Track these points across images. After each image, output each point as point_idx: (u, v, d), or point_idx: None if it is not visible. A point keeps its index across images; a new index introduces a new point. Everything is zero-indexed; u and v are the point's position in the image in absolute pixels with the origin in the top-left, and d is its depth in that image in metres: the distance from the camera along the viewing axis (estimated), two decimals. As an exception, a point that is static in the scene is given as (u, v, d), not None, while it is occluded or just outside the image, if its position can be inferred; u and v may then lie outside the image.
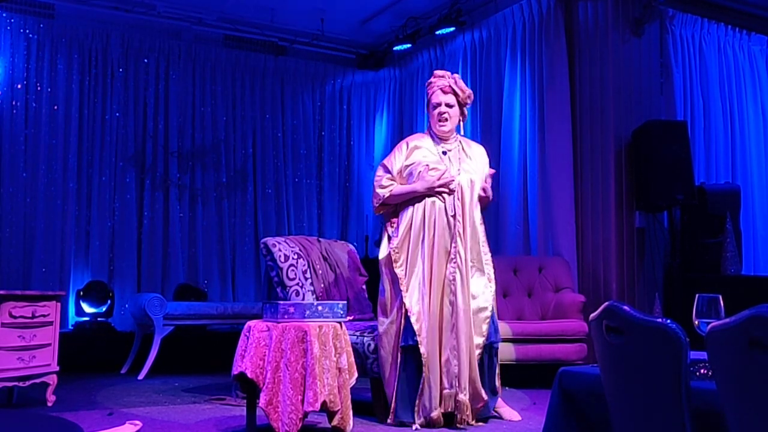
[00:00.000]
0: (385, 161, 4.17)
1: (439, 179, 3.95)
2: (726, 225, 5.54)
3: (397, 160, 4.11)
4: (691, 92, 6.46)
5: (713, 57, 6.64)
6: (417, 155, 4.07)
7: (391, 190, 4.05)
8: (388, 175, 4.09)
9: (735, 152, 6.68)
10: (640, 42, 5.97)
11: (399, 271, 3.93)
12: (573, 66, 6.09)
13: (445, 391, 3.82)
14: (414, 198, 4.00)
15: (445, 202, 3.96)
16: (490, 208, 6.43)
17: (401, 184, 4.06)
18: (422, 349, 3.82)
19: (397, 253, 3.95)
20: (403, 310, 3.88)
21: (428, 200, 3.97)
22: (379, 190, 4.08)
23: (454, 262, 3.90)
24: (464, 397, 3.82)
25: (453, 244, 3.92)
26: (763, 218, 6.70)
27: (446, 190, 3.96)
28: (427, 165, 4.02)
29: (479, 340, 3.93)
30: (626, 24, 5.90)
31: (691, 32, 6.51)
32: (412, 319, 3.83)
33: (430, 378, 3.81)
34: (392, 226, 4.06)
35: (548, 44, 6.18)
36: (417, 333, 3.82)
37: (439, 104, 4.08)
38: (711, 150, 6.51)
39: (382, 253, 4.04)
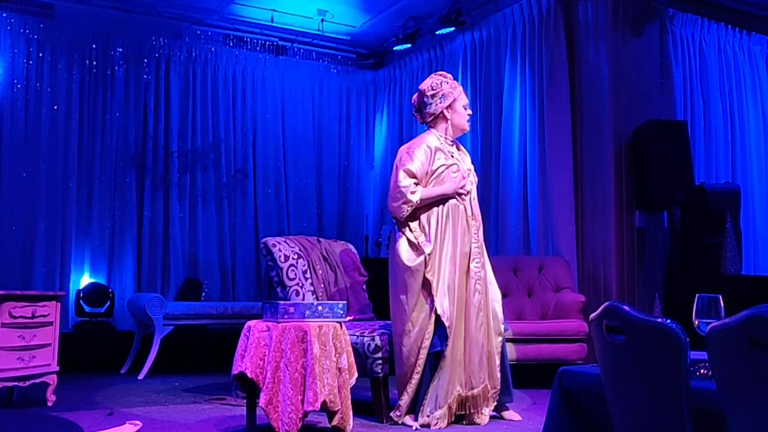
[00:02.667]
0: (408, 166, 4.01)
1: (461, 180, 4.02)
2: (726, 225, 5.54)
3: (423, 164, 4.02)
4: (691, 92, 6.46)
5: (713, 57, 6.64)
6: (441, 158, 4.06)
7: (421, 196, 3.99)
8: (414, 180, 3.99)
9: (735, 152, 6.68)
10: (640, 42, 5.97)
11: (429, 276, 3.90)
12: (573, 66, 6.09)
13: (476, 390, 3.85)
14: (437, 201, 4.00)
15: (464, 204, 4.01)
16: (490, 208, 6.48)
17: (424, 187, 4.03)
18: (446, 351, 3.84)
19: (430, 258, 3.93)
20: (434, 316, 3.87)
21: (451, 203, 4.00)
22: (410, 196, 3.95)
23: (478, 261, 3.99)
24: (495, 389, 3.93)
25: (475, 243, 4.01)
26: (763, 218, 6.70)
27: (465, 192, 4.03)
28: (449, 166, 4.05)
29: (501, 327, 4.03)
30: (626, 24, 5.89)
31: (691, 32, 6.51)
32: (447, 324, 3.83)
33: (444, 377, 3.82)
34: (413, 232, 3.99)
35: (548, 44, 6.18)
36: (449, 337, 3.84)
37: (467, 105, 4.20)
38: (711, 150, 6.51)
39: (411, 260, 3.92)
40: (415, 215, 4.01)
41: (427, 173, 4.02)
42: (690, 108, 6.42)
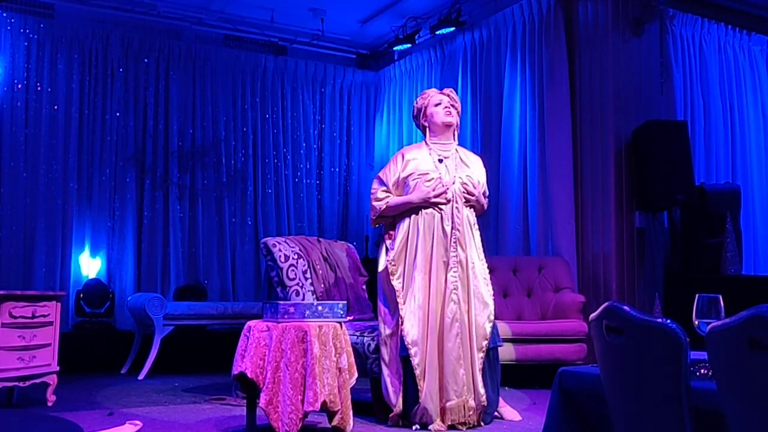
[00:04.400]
0: (380, 174, 4.18)
1: (434, 190, 3.95)
2: (726, 225, 5.54)
3: (393, 172, 4.10)
4: (691, 92, 6.45)
5: (713, 57, 6.64)
6: (412, 166, 4.06)
7: (387, 202, 4.05)
8: (383, 188, 4.09)
9: (735, 152, 6.68)
10: (640, 42, 5.97)
11: (396, 284, 3.92)
12: (573, 66, 6.09)
13: (450, 403, 3.78)
14: (411, 210, 3.99)
15: (442, 213, 3.95)
16: (490, 207, 6.44)
17: (397, 195, 4.06)
18: (415, 361, 3.80)
19: (394, 265, 3.95)
20: (402, 322, 3.88)
21: (425, 212, 3.96)
22: (375, 203, 4.09)
23: (456, 271, 3.90)
24: (474, 402, 3.83)
25: (453, 253, 3.91)
26: (763, 218, 6.70)
27: (443, 201, 3.96)
28: (423, 174, 4.00)
29: (483, 344, 3.92)
30: (626, 24, 5.89)
31: (691, 32, 6.51)
32: (404, 332, 3.83)
33: (428, 390, 3.78)
34: (390, 239, 4.06)
35: (548, 44, 6.18)
36: (408, 345, 3.81)
37: (441, 101, 4.15)
38: (711, 150, 6.51)
39: (381, 265, 4.03)
40: (393, 223, 4.08)
41: (398, 181, 4.07)
42: (690, 108, 6.42)
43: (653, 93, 6.02)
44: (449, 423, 3.79)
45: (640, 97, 5.90)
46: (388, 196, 4.06)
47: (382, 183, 4.11)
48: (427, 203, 3.96)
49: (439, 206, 3.96)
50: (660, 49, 6.14)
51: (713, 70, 6.60)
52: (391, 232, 4.07)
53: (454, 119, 4.16)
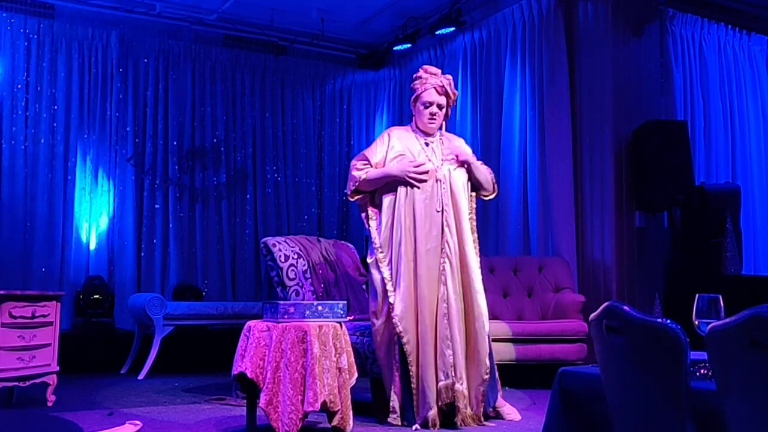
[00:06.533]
0: (365, 151, 4.14)
1: (415, 165, 3.93)
2: (726, 225, 5.54)
3: (379, 150, 4.08)
4: (691, 92, 6.45)
5: (713, 57, 6.64)
6: (399, 146, 4.06)
7: (366, 173, 4.01)
8: (364, 161, 4.06)
9: (735, 152, 6.67)
10: (640, 42, 5.97)
11: (385, 271, 3.92)
12: (573, 66, 6.09)
13: (440, 384, 3.80)
14: (392, 189, 3.95)
15: (427, 194, 3.92)
16: (490, 207, 6.46)
17: None
18: (407, 348, 3.81)
19: (382, 252, 3.94)
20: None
21: (411, 194, 3.91)
22: (354, 173, 4.03)
23: (444, 253, 3.89)
24: (461, 386, 3.81)
25: (442, 236, 3.90)
26: (763, 218, 6.70)
27: (422, 178, 3.92)
28: (410, 155, 4.01)
29: (486, 329, 3.92)
30: (626, 24, 5.90)
31: (691, 32, 6.51)
32: (395, 319, 3.83)
33: (424, 376, 3.79)
34: (368, 222, 4.03)
35: (548, 44, 6.18)
36: (401, 333, 3.81)
37: (432, 103, 4.08)
38: (711, 150, 6.51)
39: (370, 255, 4.02)
40: (374, 201, 4.05)
41: (384, 160, 4.03)
42: (690, 108, 6.42)
43: (653, 93, 6.02)
44: (440, 404, 3.78)
45: (640, 97, 5.90)
46: (367, 167, 4.03)
47: (364, 158, 4.07)
48: (406, 177, 3.92)
49: (419, 182, 3.91)
50: (660, 49, 6.14)
51: (713, 70, 6.60)
52: (372, 211, 4.03)
53: (437, 125, 4.14)
